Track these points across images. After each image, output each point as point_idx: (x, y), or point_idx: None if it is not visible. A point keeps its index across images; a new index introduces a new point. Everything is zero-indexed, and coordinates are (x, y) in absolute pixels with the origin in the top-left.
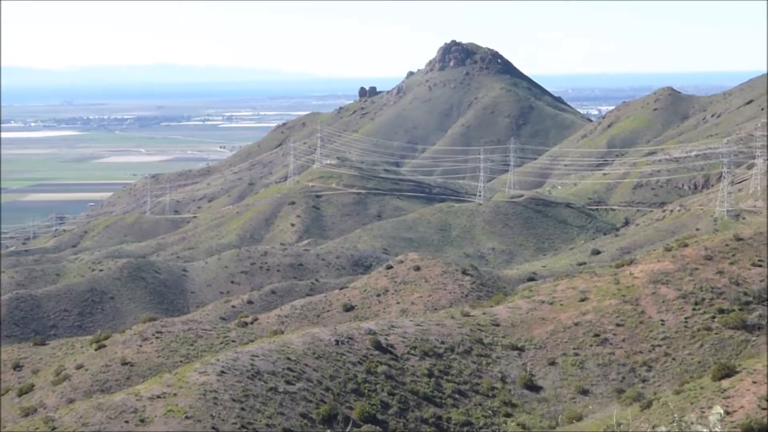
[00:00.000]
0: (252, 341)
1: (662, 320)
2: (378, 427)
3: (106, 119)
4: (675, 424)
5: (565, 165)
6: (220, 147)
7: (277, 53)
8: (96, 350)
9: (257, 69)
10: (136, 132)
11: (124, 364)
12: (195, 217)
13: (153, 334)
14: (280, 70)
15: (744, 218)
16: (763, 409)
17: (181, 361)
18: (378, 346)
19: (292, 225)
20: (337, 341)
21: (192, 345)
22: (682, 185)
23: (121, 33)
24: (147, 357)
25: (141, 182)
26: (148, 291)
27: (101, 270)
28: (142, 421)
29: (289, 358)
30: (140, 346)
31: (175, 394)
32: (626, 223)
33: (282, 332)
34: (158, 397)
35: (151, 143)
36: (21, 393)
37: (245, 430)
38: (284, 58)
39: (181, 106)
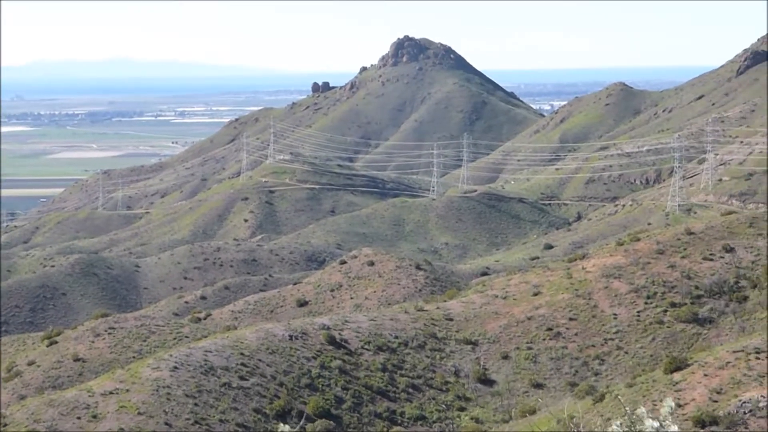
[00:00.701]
0: (205, 337)
1: (615, 314)
2: (332, 422)
3: (58, 115)
4: (626, 418)
5: (518, 160)
6: (173, 142)
7: (229, 49)
8: (48, 346)
9: (209, 65)
10: (88, 127)
11: (77, 360)
12: (147, 212)
13: (105, 330)
14: (233, 65)
15: (695, 212)
16: (714, 401)
17: (133, 357)
18: (332, 341)
19: (246, 220)
20: (290, 336)
21: (145, 341)
22: (634, 180)
23: (71, 28)
24: (99, 353)
25: (93, 178)
26: (100, 287)
27: (53, 266)
28: (94, 417)
29: (242, 354)
30: (92, 342)
31: (127, 390)
32: (579, 217)
33: (235, 328)
34: (111, 393)
35: (103, 139)
36: None
37: (198, 425)
38: (236, 53)
39: (133, 101)
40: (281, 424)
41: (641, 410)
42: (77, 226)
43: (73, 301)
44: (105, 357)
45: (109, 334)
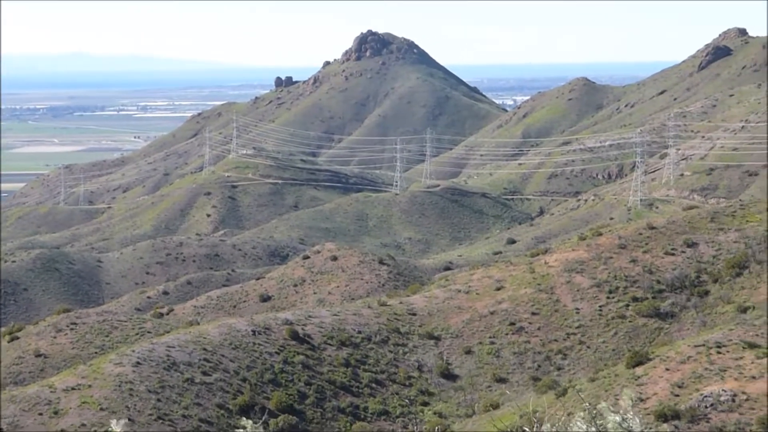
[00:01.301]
0: (168, 332)
1: (577, 309)
2: (295, 417)
3: (18, 109)
4: (588, 412)
5: (481, 155)
6: (135, 137)
7: (192, 43)
8: (9, 342)
9: (171, 59)
10: (49, 122)
11: (38, 355)
12: (109, 207)
13: (67, 326)
14: (195, 59)
15: (657, 207)
16: (676, 395)
17: (96, 353)
18: (295, 336)
19: (208, 215)
20: (253, 331)
21: (107, 336)
22: (596, 175)
23: (31, 22)
24: (61, 349)
25: (54, 173)
26: (62, 282)
27: (14, 261)
28: (56, 413)
29: (205, 349)
30: (54, 337)
31: (89, 386)
32: (541, 212)
33: (198, 323)
34: (73, 388)
35: (65, 133)
36: None
37: (161, 421)
38: (199, 48)
39: (95, 96)
40: (244, 420)
41: (603, 405)
42: (39, 221)
43: (35, 297)
44: (67, 353)
45: (71, 329)
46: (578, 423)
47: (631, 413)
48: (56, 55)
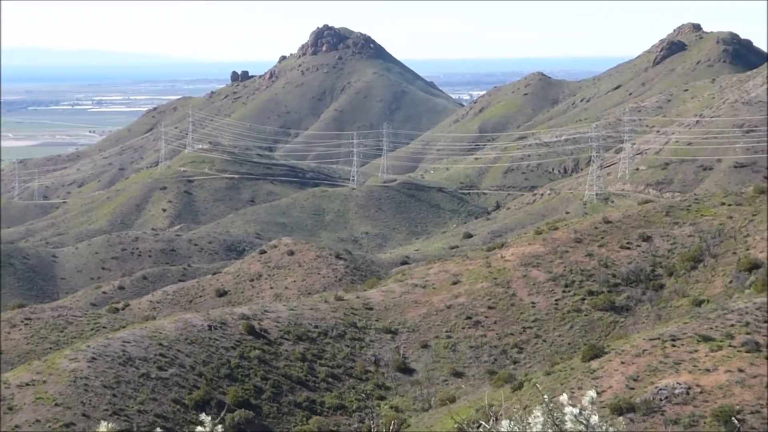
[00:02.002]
0: (123, 327)
1: (533, 302)
2: (251, 412)
3: None
4: (544, 405)
5: (438, 150)
6: (90, 132)
7: (145, 37)
8: None
9: (127, 53)
10: (3, 116)
11: None
12: (64, 202)
13: (22, 321)
14: (150, 53)
15: (612, 201)
16: (631, 389)
17: (50, 348)
18: (251, 330)
19: (164, 210)
20: (209, 326)
21: (62, 331)
22: (552, 169)
23: None
24: (15, 344)
25: (9, 167)
26: (16, 277)
27: None
28: (10, 409)
29: (161, 344)
30: (8, 333)
31: (44, 382)
32: (497, 206)
33: (154, 318)
34: (27, 384)
35: (19, 128)
36: None
37: (117, 416)
38: (153, 41)
39: (50, 90)
40: (203, 415)
41: (562, 398)
42: None
43: None
44: (21, 348)
45: (26, 324)
46: (536, 415)
47: (589, 408)
48: (8, 49)
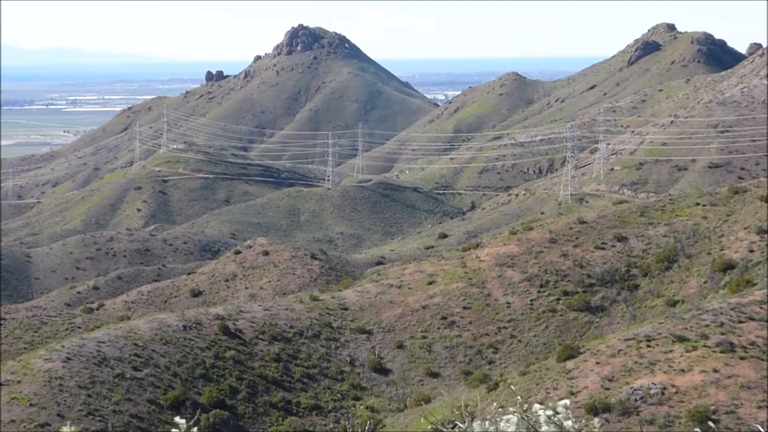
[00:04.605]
0: (98, 327)
1: (508, 302)
2: (227, 412)
3: None
4: (519, 406)
5: (413, 150)
6: (65, 131)
7: (121, 37)
8: None
9: (100, 52)
10: None
11: None
12: (39, 202)
13: None
14: (125, 53)
15: (587, 202)
16: (607, 389)
17: (25, 348)
18: (226, 331)
19: (139, 210)
20: (184, 327)
21: (36, 332)
22: (527, 169)
23: None
24: None
25: None
26: None
27: None
28: None
29: (136, 344)
30: None
31: (19, 382)
32: (472, 207)
33: (129, 318)
34: (2, 384)
35: None
36: None
37: (92, 416)
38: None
39: (23, 90)
40: (176, 416)
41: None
42: None
43: None
44: None
45: (0, 325)
46: (509, 417)
47: (563, 410)
48: None
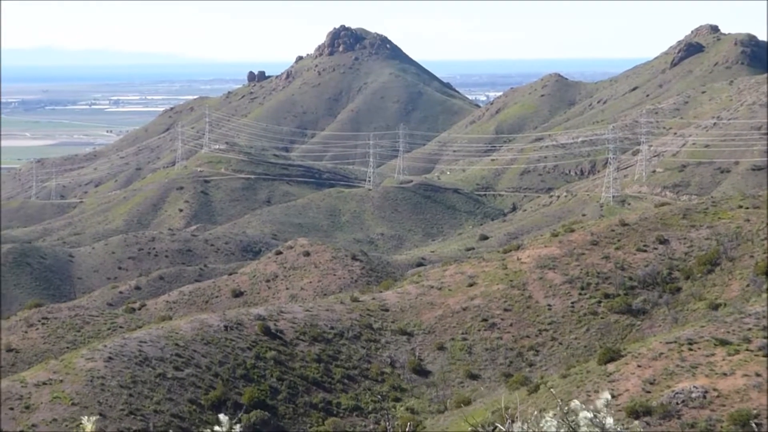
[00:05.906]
0: (140, 327)
1: (549, 305)
2: (267, 413)
3: None
4: (559, 409)
5: (454, 151)
6: (107, 131)
7: (164, 37)
8: None
9: (143, 53)
10: (21, 116)
11: (9, 350)
12: (81, 202)
13: (39, 320)
14: (167, 53)
15: (629, 204)
16: (648, 392)
17: (67, 348)
18: (267, 331)
19: (181, 210)
20: (226, 327)
21: (79, 331)
22: (569, 171)
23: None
24: (33, 343)
25: (26, 167)
26: (33, 277)
27: None
28: (27, 408)
29: (177, 344)
30: (26, 332)
31: (61, 381)
32: (514, 208)
33: (170, 318)
34: (44, 383)
35: (37, 127)
36: None
37: (133, 416)
38: (171, 42)
39: (67, 89)
40: (217, 415)
41: (575, 403)
42: (10, 216)
43: (6, 291)
44: (38, 347)
45: (43, 324)
46: (549, 420)
47: (604, 411)
48: (27, 49)
